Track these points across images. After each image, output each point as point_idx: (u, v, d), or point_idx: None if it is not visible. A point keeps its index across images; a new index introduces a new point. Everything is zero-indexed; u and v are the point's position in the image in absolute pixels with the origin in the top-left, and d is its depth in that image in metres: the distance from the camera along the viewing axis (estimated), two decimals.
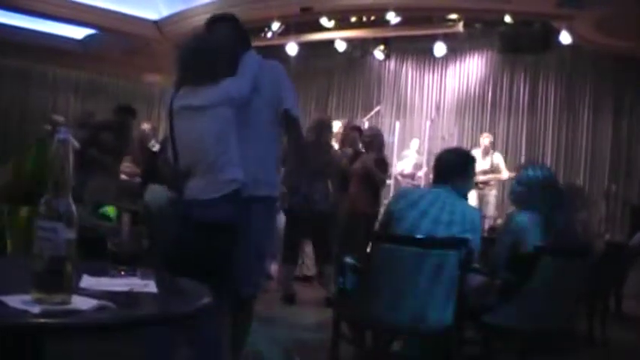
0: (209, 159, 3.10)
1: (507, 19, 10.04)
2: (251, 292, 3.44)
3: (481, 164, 9.91)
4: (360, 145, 7.16)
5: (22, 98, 12.90)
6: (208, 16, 3.53)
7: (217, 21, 3.41)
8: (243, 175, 3.13)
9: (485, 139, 10.15)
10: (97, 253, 2.18)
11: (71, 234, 1.53)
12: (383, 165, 7.10)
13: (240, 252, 3.17)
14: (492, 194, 10.04)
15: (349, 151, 7.17)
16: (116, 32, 11.48)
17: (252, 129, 3.25)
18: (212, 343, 2.84)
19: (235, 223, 3.08)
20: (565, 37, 9.85)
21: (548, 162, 11.43)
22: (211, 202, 3.06)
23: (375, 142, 7.07)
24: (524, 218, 3.87)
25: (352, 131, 7.59)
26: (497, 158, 10.09)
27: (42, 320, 1.43)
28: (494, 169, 9.86)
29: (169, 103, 3.25)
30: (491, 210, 9.90)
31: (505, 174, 9.94)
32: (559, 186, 4.36)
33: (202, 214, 3.07)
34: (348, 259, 4.42)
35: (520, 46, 10.69)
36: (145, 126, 9.34)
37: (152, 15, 11.41)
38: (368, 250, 3.70)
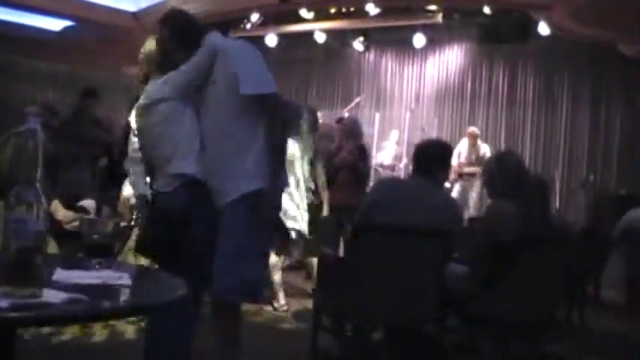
0: (155, 155, 3.19)
1: (486, 10, 10.07)
2: (218, 294, 2.97)
3: (468, 155, 9.96)
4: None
5: (0, 91, 12.74)
6: (187, 7, 3.50)
7: (159, 22, 3.29)
8: (194, 167, 3.06)
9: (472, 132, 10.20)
10: (75, 246, 2.16)
11: (40, 226, 1.51)
12: (363, 153, 7.08)
13: (204, 249, 2.98)
14: (476, 185, 10.09)
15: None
16: (94, 24, 11.36)
17: (212, 120, 3.10)
18: (172, 333, 2.73)
19: (189, 214, 3.02)
20: (543, 28, 9.88)
21: (527, 152, 11.50)
22: (167, 194, 3.09)
23: (353, 130, 7.07)
24: (503, 207, 3.88)
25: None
26: (485, 148, 10.12)
27: (11, 314, 1.41)
28: (480, 161, 9.78)
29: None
30: (473, 200, 9.94)
31: None
32: (531, 175, 4.40)
33: (161, 204, 3.13)
34: (329, 250, 4.43)
35: (499, 36, 10.72)
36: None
37: (130, 6, 11.30)
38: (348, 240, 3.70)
